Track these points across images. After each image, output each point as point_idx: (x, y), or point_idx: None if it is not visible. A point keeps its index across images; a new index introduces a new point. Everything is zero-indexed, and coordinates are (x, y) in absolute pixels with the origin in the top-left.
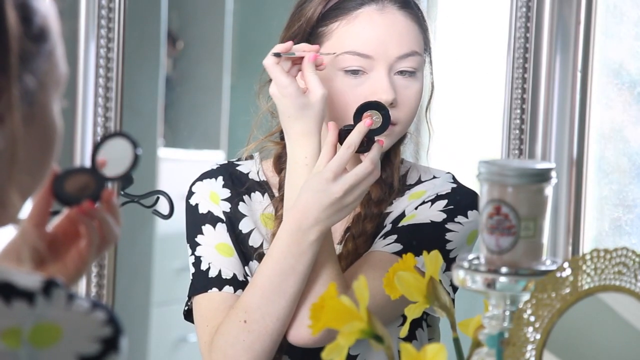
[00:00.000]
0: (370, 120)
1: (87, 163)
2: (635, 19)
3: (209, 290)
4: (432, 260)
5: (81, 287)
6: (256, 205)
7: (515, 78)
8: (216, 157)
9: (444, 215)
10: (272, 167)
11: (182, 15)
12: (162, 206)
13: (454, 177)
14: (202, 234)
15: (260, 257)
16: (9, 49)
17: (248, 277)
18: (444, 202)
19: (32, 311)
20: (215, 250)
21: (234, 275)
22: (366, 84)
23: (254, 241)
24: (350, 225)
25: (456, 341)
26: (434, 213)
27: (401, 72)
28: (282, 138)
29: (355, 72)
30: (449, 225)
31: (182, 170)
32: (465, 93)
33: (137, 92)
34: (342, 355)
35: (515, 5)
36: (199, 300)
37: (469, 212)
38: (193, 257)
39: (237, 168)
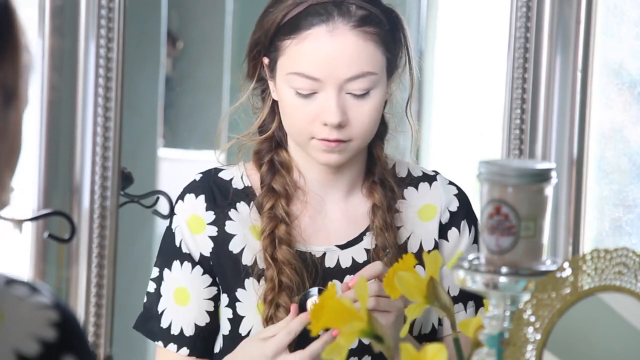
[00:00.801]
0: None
1: (87, 163)
2: (636, 18)
3: (157, 342)
4: (432, 260)
5: (81, 286)
6: (244, 218)
7: (515, 78)
8: (216, 157)
9: (474, 237)
10: (252, 164)
11: (182, 15)
12: (162, 206)
13: (443, 177)
14: (170, 269)
15: (255, 273)
16: (20, 52)
17: (239, 302)
18: (464, 223)
19: None
20: (173, 296)
21: (181, 330)
22: (314, 104)
23: (246, 259)
24: (374, 235)
25: (456, 341)
26: (468, 240)
27: (353, 93)
28: (261, 133)
29: (303, 94)
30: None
31: (182, 170)
32: (465, 93)
33: (137, 92)
34: (342, 355)
35: (515, 5)
36: (156, 348)
37: (477, 222)
38: (153, 285)
39: (220, 175)
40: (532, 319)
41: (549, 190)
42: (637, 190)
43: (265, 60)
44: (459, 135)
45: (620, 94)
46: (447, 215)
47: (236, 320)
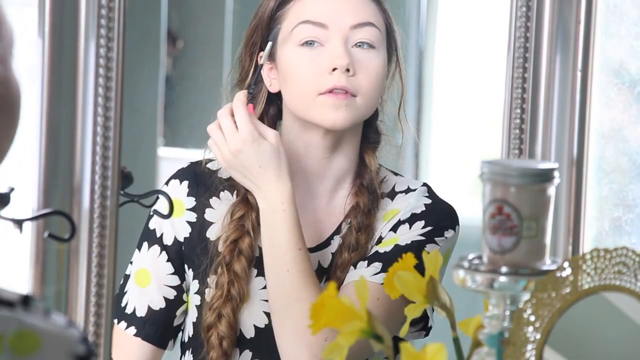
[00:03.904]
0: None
1: (87, 163)
2: (636, 18)
3: (119, 323)
4: (432, 260)
5: (81, 285)
6: (226, 207)
7: (515, 78)
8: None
9: (423, 238)
10: None
11: (182, 14)
12: (162, 206)
13: (428, 190)
14: (139, 250)
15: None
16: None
17: (209, 288)
18: (422, 222)
19: (13, 317)
20: (134, 276)
21: (134, 310)
22: (322, 55)
23: (222, 247)
24: (342, 235)
25: (456, 341)
26: (414, 234)
27: (360, 45)
28: None
29: (310, 44)
30: (428, 247)
31: None
32: (465, 93)
33: (137, 92)
34: (342, 355)
35: (515, 5)
36: (114, 329)
37: (446, 232)
38: (129, 268)
39: (207, 165)
40: (532, 318)
41: (551, 190)
42: (637, 190)
43: (261, 53)
44: (459, 135)
45: (620, 93)
46: (408, 215)
47: (204, 307)
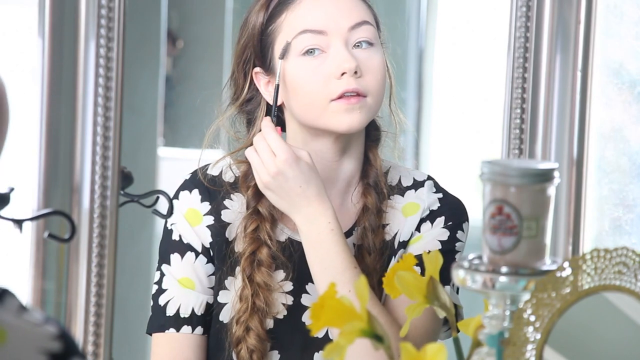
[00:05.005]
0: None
1: (87, 163)
2: (636, 18)
3: (167, 331)
4: (432, 260)
5: (81, 285)
6: (239, 207)
7: (515, 78)
8: (216, 157)
9: (448, 232)
10: (241, 181)
11: (182, 14)
12: (162, 206)
13: (435, 184)
14: (169, 263)
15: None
16: None
17: (227, 290)
18: (442, 219)
19: None
20: (178, 283)
21: (193, 311)
22: (327, 61)
23: (238, 247)
24: (358, 237)
25: (456, 341)
26: (438, 232)
27: (359, 45)
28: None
29: (311, 52)
30: (457, 245)
31: (182, 170)
32: (465, 93)
33: (137, 92)
34: (342, 355)
35: (515, 5)
36: (157, 339)
37: (464, 225)
38: (156, 287)
39: (208, 172)
40: (532, 318)
41: (551, 190)
42: (637, 190)
43: (256, 69)
44: (459, 135)
45: (620, 93)
46: (427, 212)
47: (218, 306)
